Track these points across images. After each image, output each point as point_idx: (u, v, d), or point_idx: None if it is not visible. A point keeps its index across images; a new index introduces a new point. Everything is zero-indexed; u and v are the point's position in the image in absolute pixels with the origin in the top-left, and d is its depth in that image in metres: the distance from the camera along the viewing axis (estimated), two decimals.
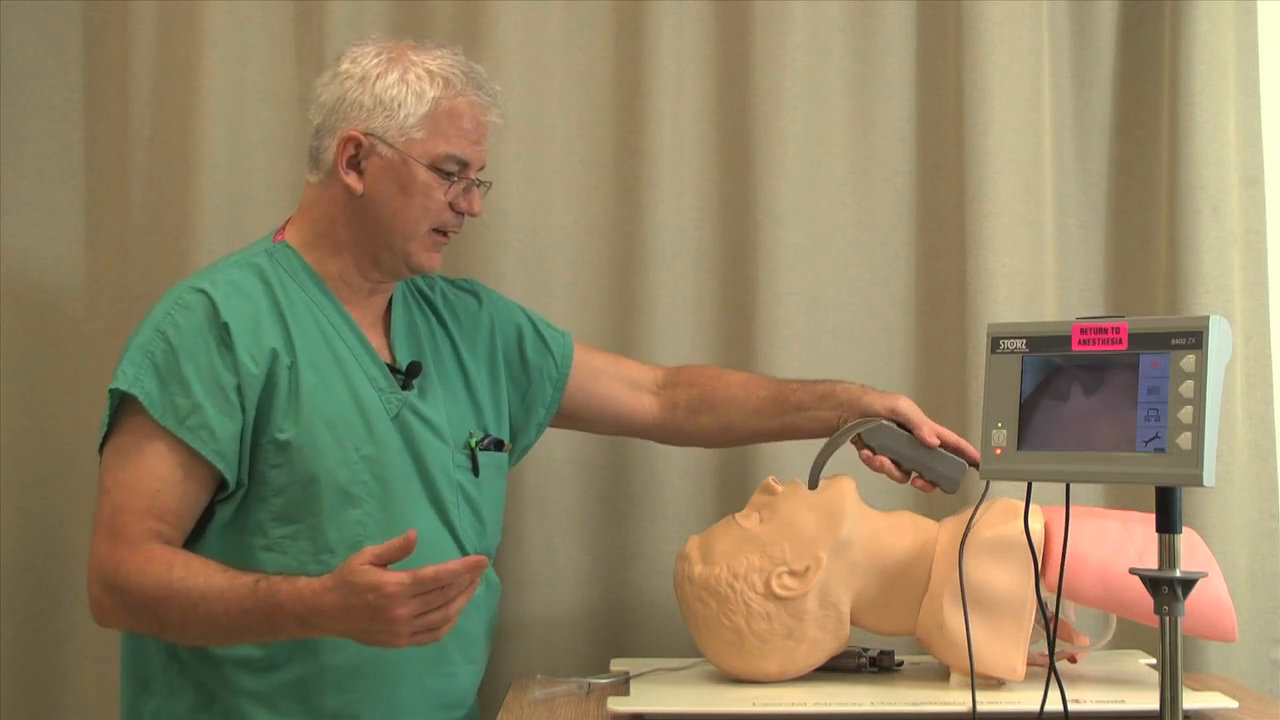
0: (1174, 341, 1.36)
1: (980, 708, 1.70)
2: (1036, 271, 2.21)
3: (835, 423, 1.93)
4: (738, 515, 1.93)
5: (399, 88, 1.78)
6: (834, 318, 2.26)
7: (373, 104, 1.78)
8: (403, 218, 1.79)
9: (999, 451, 1.44)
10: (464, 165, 1.81)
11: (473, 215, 1.84)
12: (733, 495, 2.18)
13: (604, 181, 2.26)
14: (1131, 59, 2.30)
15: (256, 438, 1.72)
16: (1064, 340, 1.42)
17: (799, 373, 2.18)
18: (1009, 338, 1.46)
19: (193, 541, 1.73)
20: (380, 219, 1.80)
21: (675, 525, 2.19)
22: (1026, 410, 1.44)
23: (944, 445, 1.88)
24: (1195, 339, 1.34)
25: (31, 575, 2.21)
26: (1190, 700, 1.70)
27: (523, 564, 2.19)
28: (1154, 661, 1.96)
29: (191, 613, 1.61)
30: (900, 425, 1.89)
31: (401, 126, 1.77)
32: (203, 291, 1.74)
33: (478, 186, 1.84)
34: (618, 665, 2.02)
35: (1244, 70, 2.23)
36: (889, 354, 2.26)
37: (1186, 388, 1.34)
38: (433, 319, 1.94)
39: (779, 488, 1.93)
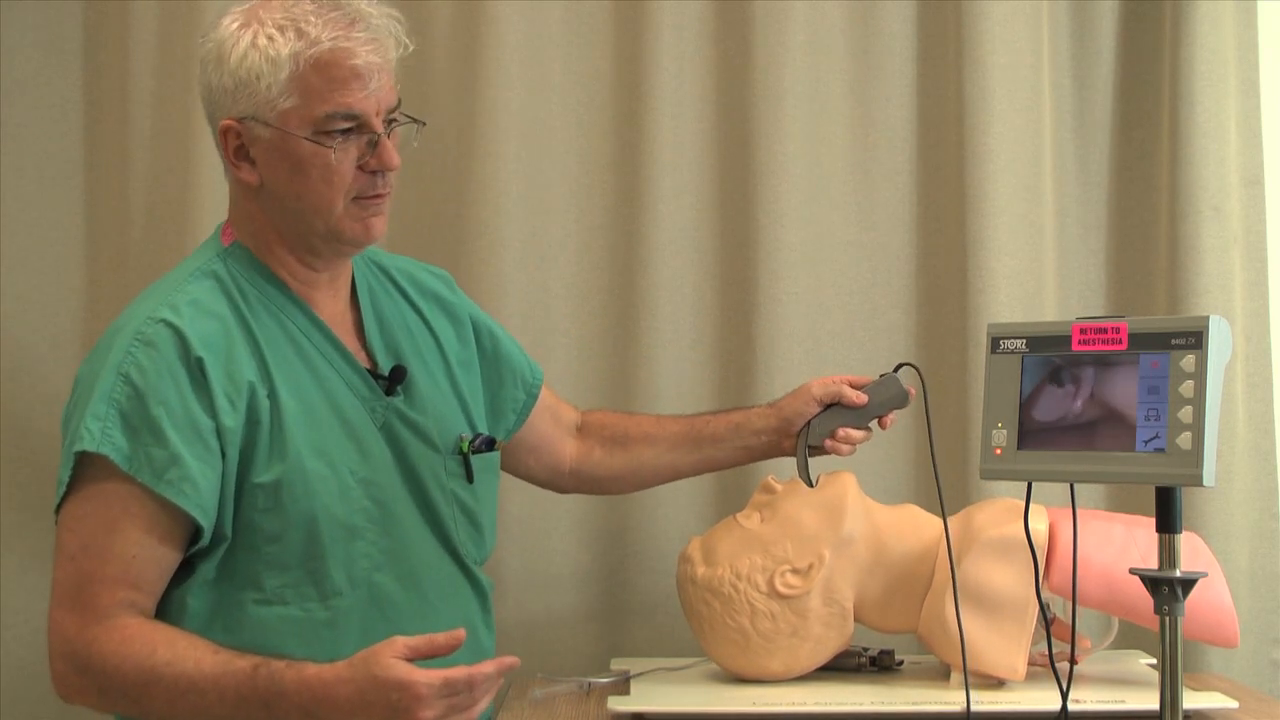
0: (1174, 341, 1.36)
1: (980, 708, 1.70)
2: (1036, 271, 2.21)
3: (762, 451, 1.92)
4: (739, 515, 1.93)
5: (251, 56, 1.57)
6: (834, 318, 2.25)
7: (233, 84, 1.59)
8: (309, 198, 1.60)
9: (999, 451, 1.44)
10: (356, 119, 1.59)
11: (390, 170, 1.62)
12: (733, 495, 2.18)
13: (604, 181, 2.26)
14: (1131, 59, 2.30)
15: (240, 483, 1.56)
16: (1064, 340, 1.42)
17: (800, 372, 2.18)
18: (1009, 338, 1.46)
19: (167, 602, 1.57)
20: (289, 205, 1.62)
21: (675, 525, 2.19)
22: (1026, 410, 1.44)
23: (864, 386, 1.86)
24: (1195, 339, 1.35)
25: (31, 576, 2.21)
26: (1190, 700, 1.70)
27: (523, 564, 2.19)
28: (1155, 661, 1.96)
29: (180, 700, 1.47)
30: (829, 404, 1.87)
31: (267, 100, 1.57)
32: (165, 322, 1.55)
33: (392, 133, 1.63)
34: (618, 665, 2.02)
35: (1244, 70, 2.23)
36: (889, 354, 2.26)
37: (1186, 388, 1.34)
38: (404, 305, 1.78)
39: (779, 486, 1.93)
